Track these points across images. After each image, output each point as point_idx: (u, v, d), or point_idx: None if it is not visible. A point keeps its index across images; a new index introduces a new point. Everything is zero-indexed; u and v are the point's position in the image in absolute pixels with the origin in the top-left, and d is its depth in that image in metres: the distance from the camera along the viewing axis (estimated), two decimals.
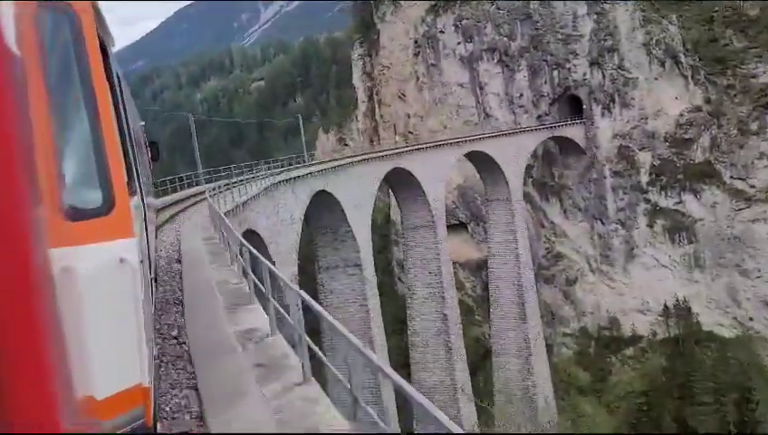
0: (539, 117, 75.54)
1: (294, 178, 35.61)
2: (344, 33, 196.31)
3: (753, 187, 63.96)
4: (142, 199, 5.62)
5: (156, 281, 9.40)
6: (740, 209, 64.41)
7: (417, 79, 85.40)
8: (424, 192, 54.58)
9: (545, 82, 75.01)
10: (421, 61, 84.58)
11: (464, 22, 79.93)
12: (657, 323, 68.98)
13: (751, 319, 64.50)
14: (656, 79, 68.42)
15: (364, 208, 46.22)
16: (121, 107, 4.64)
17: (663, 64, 68.02)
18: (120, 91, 5.07)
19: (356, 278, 45.16)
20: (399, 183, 54.69)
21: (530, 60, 75.72)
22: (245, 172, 36.09)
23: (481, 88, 79.43)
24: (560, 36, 73.45)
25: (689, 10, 69.02)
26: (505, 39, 77.13)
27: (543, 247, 76.56)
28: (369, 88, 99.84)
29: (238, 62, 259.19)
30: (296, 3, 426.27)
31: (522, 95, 76.57)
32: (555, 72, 74.02)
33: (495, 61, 78.03)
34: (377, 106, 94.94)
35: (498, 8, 77.10)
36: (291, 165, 41.45)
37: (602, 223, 72.01)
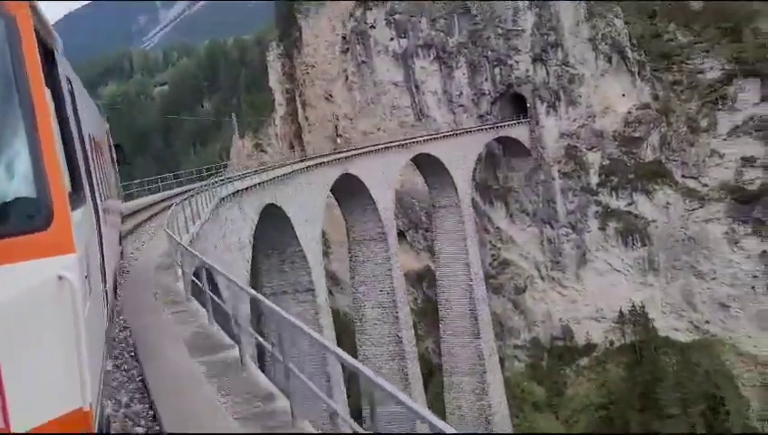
0: (480, 116, 70.96)
1: (241, 190, 28.47)
2: (254, 35, 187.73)
3: (705, 186, 61.83)
4: (95, 208, 5.22)
5: (115, 293, 7.91)
6: (693, 209, 62.13)
7: (347, 78, 79.13)
8: (374, 200, 48.38)
9: (486, 80, 70.54)
10: (350, 58, 78.37)
11: (396, 16, 74.38)
12: (612, 330, 65.74)
13: (707, 322, 62.27)
14: (602, 75, 65.33)
15: (314, 223, 39.43)
16: (70, 111, 4.26)
17: (609, 60, 64.99)
18: (72, 94, 4.85)
19: (308, 305, 38.23)
20: (346, 191, 48.20)
21: (469, 56, 71.04)
22: (176, 185, 28.69)
23: (417, 87, 74.08)
24: (500, 31, 69.18)
25: (631, 4, 66.43)
26: (442, 34, 72.16)
27: (489, 255, 71.96)
28: (289, 90, 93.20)
29: (139, 66, 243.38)
30: (200, 3, 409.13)
31: (461, 94, 71.78)
32: (497, 70, 69.66)
33: (432, 57, 72.90)
34: (300, 108, 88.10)
35: (434, 1, 72.06)
36: (220, 174, 34.21)
37: (552, 227, 68.16)
